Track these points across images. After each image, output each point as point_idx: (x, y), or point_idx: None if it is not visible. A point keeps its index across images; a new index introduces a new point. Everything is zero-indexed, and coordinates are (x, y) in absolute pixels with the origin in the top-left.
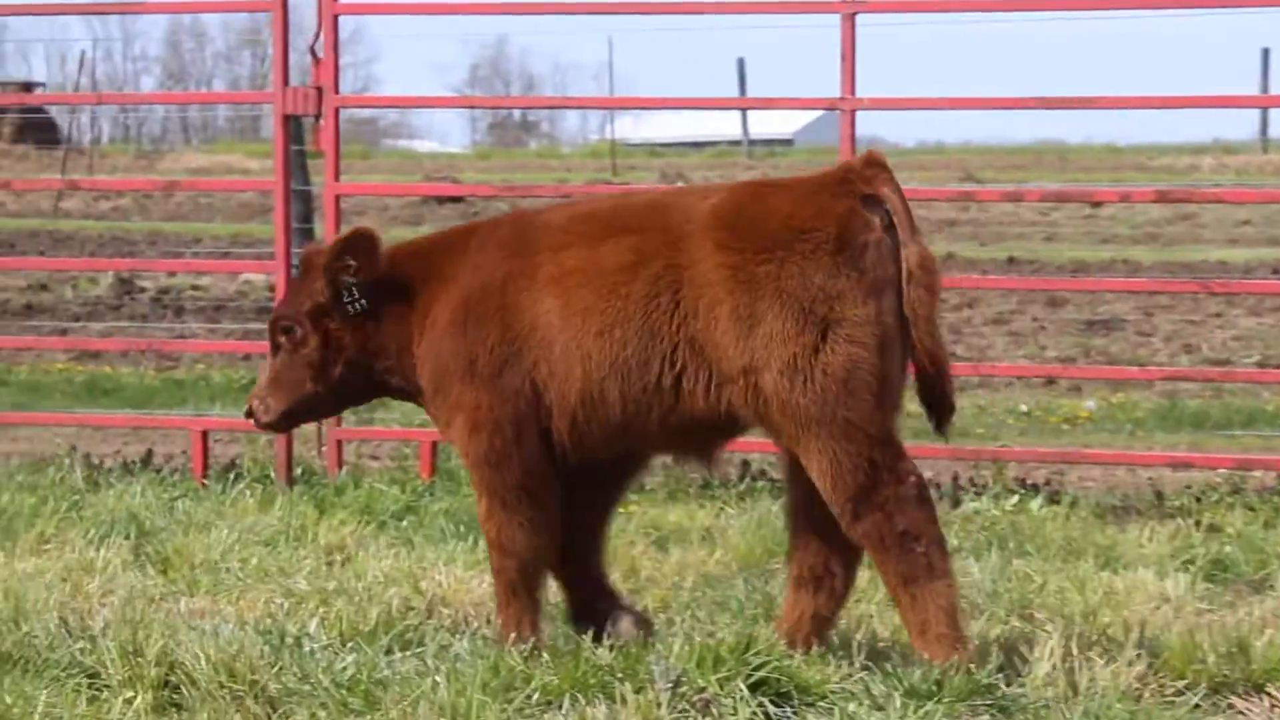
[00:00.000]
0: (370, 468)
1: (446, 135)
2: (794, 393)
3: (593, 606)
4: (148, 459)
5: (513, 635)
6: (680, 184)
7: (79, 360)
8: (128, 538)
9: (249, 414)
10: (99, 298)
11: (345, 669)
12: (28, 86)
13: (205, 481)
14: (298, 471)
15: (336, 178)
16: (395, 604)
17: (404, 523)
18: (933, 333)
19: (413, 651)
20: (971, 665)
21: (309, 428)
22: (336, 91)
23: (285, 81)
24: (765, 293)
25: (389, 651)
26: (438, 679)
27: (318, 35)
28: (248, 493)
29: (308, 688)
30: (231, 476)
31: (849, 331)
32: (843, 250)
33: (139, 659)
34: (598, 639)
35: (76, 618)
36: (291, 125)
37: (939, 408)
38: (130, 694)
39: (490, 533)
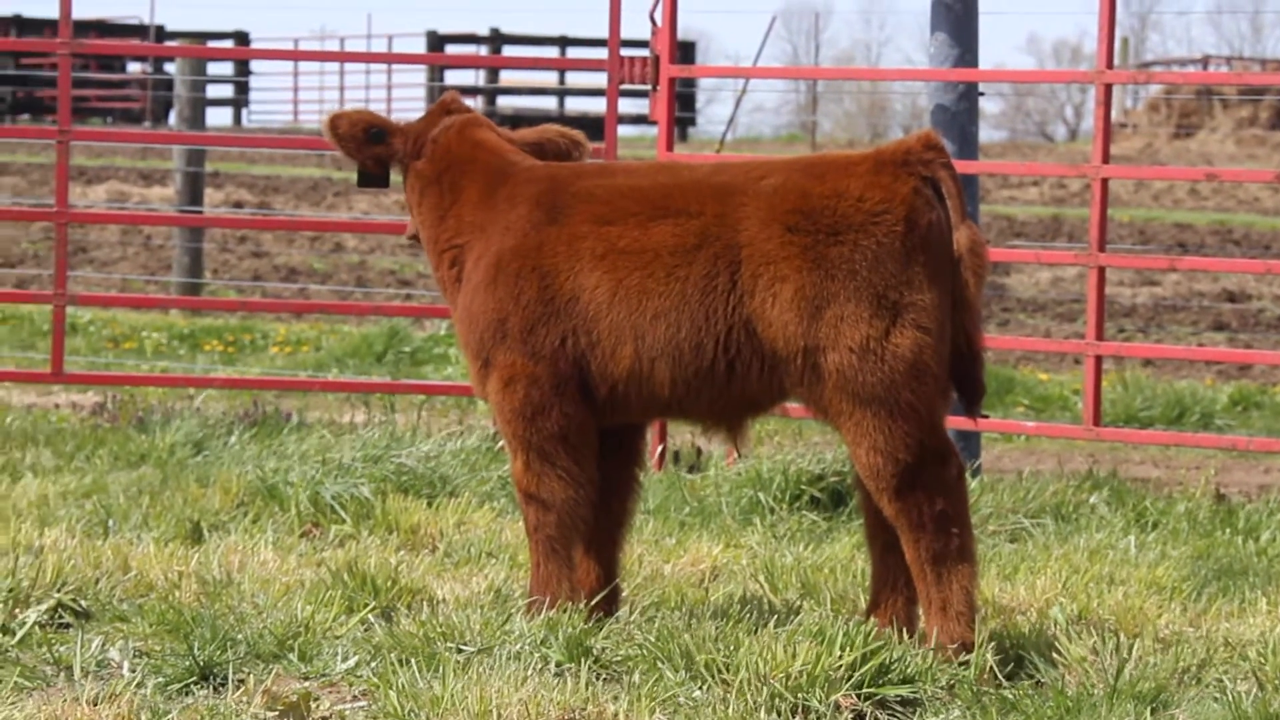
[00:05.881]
0: None
1: None
2: (861, 373)
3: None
4: None
5: (548, 596)
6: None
7: None
8: None
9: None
10: None
11: None
12: None
13: None
14: None
15: None
16: None
17: None
18: (976, 316)
19: None
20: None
21: None
22: None
23: None
24: (838, 274)
25: None
26: None
27: None
28: None
29: None
30: None
31: (916, 316)
32: (912, 232)
33: None
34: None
35: None
36: None
37: (971, 390)
38: None
39: (529, 487)
